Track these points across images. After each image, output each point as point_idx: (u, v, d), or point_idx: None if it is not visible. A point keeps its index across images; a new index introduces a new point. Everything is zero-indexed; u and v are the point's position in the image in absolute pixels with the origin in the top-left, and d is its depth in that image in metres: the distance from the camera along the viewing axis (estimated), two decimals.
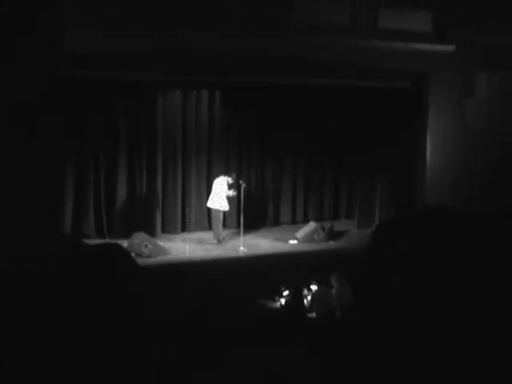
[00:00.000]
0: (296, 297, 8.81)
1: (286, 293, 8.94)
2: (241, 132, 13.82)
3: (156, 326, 1.73)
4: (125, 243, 11.16)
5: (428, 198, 12.04)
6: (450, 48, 11.68)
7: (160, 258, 11.35)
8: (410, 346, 1.33)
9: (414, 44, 11.42)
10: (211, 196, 12.39)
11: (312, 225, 13.04)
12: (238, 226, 12.35)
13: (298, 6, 10.61)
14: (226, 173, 12.72)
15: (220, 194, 12.20)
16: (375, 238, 1.50)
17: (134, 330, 1.59)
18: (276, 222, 14.33)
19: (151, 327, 1.69)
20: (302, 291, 8.86)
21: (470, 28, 11.77)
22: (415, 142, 12.50)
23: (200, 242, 12.55)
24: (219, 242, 12.31)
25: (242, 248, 11.94)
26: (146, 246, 11.38)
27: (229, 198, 12.33)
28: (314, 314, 8.60)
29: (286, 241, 12.83)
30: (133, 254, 10.32)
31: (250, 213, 13.85)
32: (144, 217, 12.77)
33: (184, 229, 13.30)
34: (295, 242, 12.75)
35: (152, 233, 12.56)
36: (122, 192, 12.47)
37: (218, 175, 12.80)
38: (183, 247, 12.13)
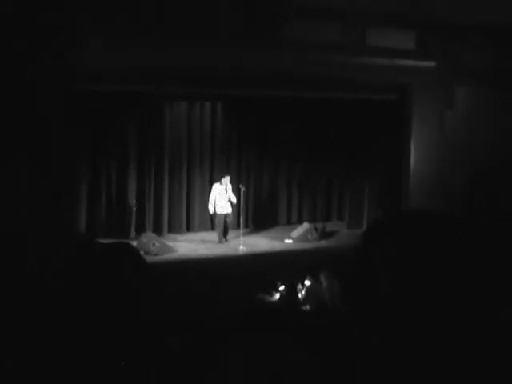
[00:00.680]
0: (291, 291, 8.82)
1: (281, 287, 8.93)
2: (240, 140, 13.85)
3: (161, 318, 1.74)
4: (134, 242, 11.17)
5: (412, 200, 12.03)
6: (432, 64, 11.69)
7: (166, 256, 11.33)
8: (396, 343, 1.32)
9: (398, 60, 11.42)
10: (222, 204, 12.20)
11: (306, 225, 13.05)
12: (238, 227, 12.35)
13: (293, 25, 10.63)
14: (224, 173, 12.76)
15: (226, 199, 12.14)
16: (364, 238, 1.51)
17: (140, 323, 1.60)
18: (273, 223, 14.34)
19: (156, 320, 1.69)
20: (296, 286, 8.86)
21: (450, 46, 11.81)
22: (400, 149, 12.49)
23: (203, 241, 12.55)
24: (226, 241, 12.33)
25: (241, 247, 11.92)
26: (154, 244, 11.39)
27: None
28: (307, 307, 8.60)
29: (282, 240, 12.83)
30: (142, 252, 10.33)
31: (249, 214, 13.93)
32: (152, 218, 12.79)
33: (189, 229, 13.32)
34: (290, 241, 12.76)
35: (159, 232, 12.59)
36: (131, 195, 12.50)
37: (220, 180, 12.78)
38: (188, 246, 12.13)
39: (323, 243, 12.75)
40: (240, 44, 10.12)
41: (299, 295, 8.75)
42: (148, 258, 10.54)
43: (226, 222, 12.30)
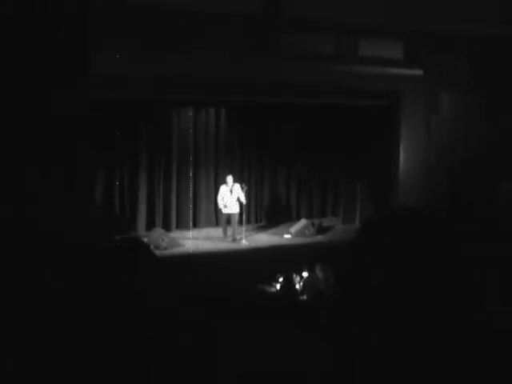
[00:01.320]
0: (289, 282, 8.85)
1: (281, 279, 8.96)
2: (242, 143, 13.84)
3: (168, 306, 1.76)
4: (145, 237, 11.20)
5: (401, 198, 12.06)
6: (419, 72, 11.72)
7: (175, 250, 11.34)
8: (387, 330, 1.32)
9: (388, 69, 11.45)
10: (229, 204, 11.96)
11: (303, 221, 13.04)
12: (241, 223, 12.33)
13: (291, 36, 10.66)
14: (228, 174, 12.59)
15: (234, 199, 11.95)
16: (359, 233, 1.51)
17: (149, 313, 1.62)
18: (273, 219, 14.35)
19: (164, 309, 1.71)
20: (294, 278, 8.88)
21: (436, 56, 11.84)
22: (390, 150, 12.51)
23: (209, 236, 12.55)
24: (234, 240, 12.05)
25: (244, 241, 11.93)
26: (163, 239, 11.39)
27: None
28: (304, 297, 8.63)
29: (282, 235, 12.81)
30: (152, 247, 10.38)
31: (251, 211, 13.93)
32: (161, 215, 12.80)
33: (195, 225, 13.31)
34: (289, 236, 12.73)
35: (168, 228, 12.59)
36: (142, 194, 12.50)
37: (224, 178, 12.76)
38: (194, 240, 12.12)
39: (320, 238, 12.73)
40: (242, 55, 10.16)
41: (297, 286, 8.80)
42: (158, 252, 10.59)
43: (229, 221, 12.05)
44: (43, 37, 2.56)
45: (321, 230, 13.10)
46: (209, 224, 13.44)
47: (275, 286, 8.95)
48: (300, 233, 12.70)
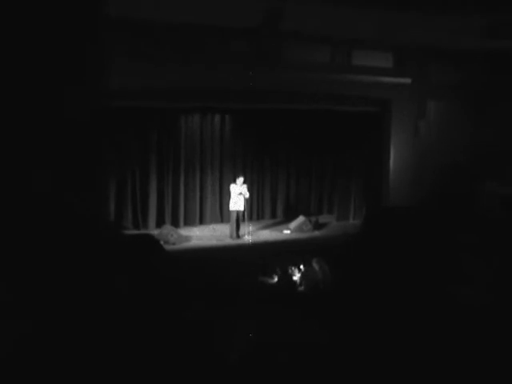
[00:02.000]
0: (288, 274, 8.85)
1: (280, 271, 8.97)
2: (245, 145, 13.84)
3: (178, 294, 1.80)
4: (155, 233, 11.23)
5: (391, 196, 12.09)
6: (408, 81, 11.76)
7: (183, 245, 11.35)
8: (380, 317, 1.36)
9: (379, 77, 11.48)
10: (235, 201, 11.78)
11: (301, 218, 13.04)
12: (243, 220, 12.33)
13: (289, 47, 10.70)
14: (235, 176, 12.50)
15: (240, 197, 11.75)
16: (362, 228, 1.55)
17: (163, 298, 1.67)
18: (273, 216, 14.38)
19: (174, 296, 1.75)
20: (293, 270, 8.89)
21: (423, 66, 11.87)
22: (381, 152, 12.52)
23: (214, 232, 12.54)
24: (238, 237, 11.92)
25: (247, 237, 11.95)
26: (172, 235, 11.41)
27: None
28: (302, 288, 8.64)
29: (281, 231, 12.84)
30: (161, 242, 10.41)
31: (253, 209, 13.94)
32: (170, 212, 12.83)
33: (201, 222, 13.34)
34: (288, 231, 12.76)
35: (176, 224, 12.62)
36: (153, 193, 12.52)
37: (228, 179, 12.77)
38: (201, 236, 12.15)
39: (316, 233, 12.73)
40: (244, 66, 10.19)
41: (295, 278, 8.82)
42: (167, 247, 10.64)
43: (238, 218, 11.86)
44: (60, 46, 2.61)
45: (317, 226, 13.10)
46: (215, 220, 13.46)
47: (275, 278, 8.95)
48: (298, 229, 12.71)
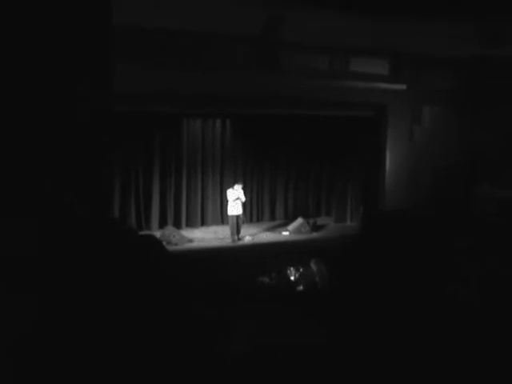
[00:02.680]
0: (287, 275, 8.84)
1: (279, 272, 8.96)
2: (245, 149, 13.85)
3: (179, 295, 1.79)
4: (158, 234, 11.23)
5: (387, 199, 12.09)
6: (403, 87, 11.78)
7: (185, 246, 11.36)
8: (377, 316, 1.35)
9: (375, 83, 11.50)
10: (233, 206, 11.71)
11: (300, 220, 13.04)
12: (243, 222, 12.34)
13: (289, 54, 10.71)
14: (235, 181, 12.48)
15: (237, 202, 11.71)
16: (362, 231, 1.55)
17: (166, 297, 1.66)
18: (272, 218, 14.37)
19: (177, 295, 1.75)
20: (291, 271, 8.88)
21: (418, 72, 11.88)
22: (377, 156, 12.53)
23: (215, 233, 12.55)
24: (239, 239, 11.84)
25: (247, 238, 11.96)
26: (174, 236, 11.42)
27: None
28: (301, 287, 8.63)
29: (280, 232, 12.84)
30: (164, 243, 10.41)
31: (253, 211, 13.94)
32: (172, 214, 12.83)
33: (203, 223, 13.35)
34: (287, 233, 12.76)
35: (178, 226, 12.64)
36: (156, 195, 12.54)
37: (229, 182, 12.75)
38: (202, 237, 12.14)
39: (314, 235, 12.73)
40: (245, 72, 10.20)
41: (293, 278, 8.80)
42: (169, 248, 10.63)
43: (238, 222, 11.80)
44: (72, 52, 2.63)
45: (315, 227, 13.10)
46: (216, 222, 13.47)
47: (274, 278, 8.94)
48: (297, 230, 12.71)
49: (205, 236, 12.27)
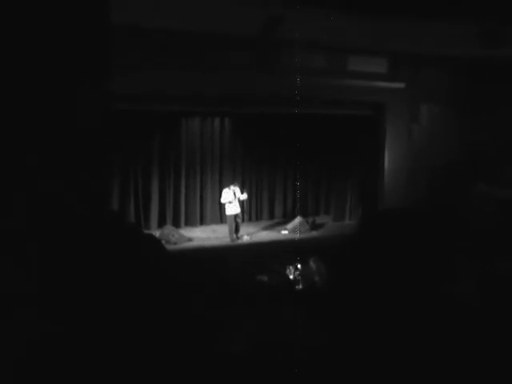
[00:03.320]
0: (286, 273, 8.85)
1: (278, 271, 8.96)
2: (244, 147, 13.86)
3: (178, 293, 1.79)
4: (157, 233, 11.23)
5: (386, 197, 12.10)
6: (401, 85, 11.77)
7: (184, 245, 11.37)
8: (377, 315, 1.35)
9: (374, 82, 11.49)
10: (230, 205, 11.65)
11: (299, 219, 13.04)
12: (243, 220, 12.35)
13: (287, 54, 10.70)
14: (233, 181, 12.46)
15: (235, 201, 11.68)
16: (361, 230, 1.54)
17: (165, 295, 1.66)
18: (271, 217, 14.37)
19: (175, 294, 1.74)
20: (290, 269, 8.88)
21: (416, 71, 11.89)
22: (376, 155, 12.53)
23: (214, 232, 12.54)
24: (238, 238, 11.83)
25: (245, 237, 11.96)
26: (173, 235, 11.43)
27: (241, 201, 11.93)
28: (300, 286, 8.64)
29: (279, 231, 12.85)
30: (163, 242, 10.41)
31: (252, 210, 13.95)
32: (171, 213, 12.83)
33: (202, 222, 13.34)
34: (286, 232, 12.77)
35: (177, 225, 12.64)
36: (155, 194, 12.54)
37: (228, 181, 12.74)
38: (201, 236, 12.14)
39: (313, 234, 12.74)
40: (244, 72, 10.19)
41: (292, 277, 8.81)
42: (168, 246, 10.63)
43: (236, 221, 11.79)
44: (73, 51, 2.63)
45: (314, 226, 13.12)
46: (214, 221, 13.47)
47: (273, 277, 8.95)
48: (295, 229, 12.69)
49: (204, 235, 12.26)
